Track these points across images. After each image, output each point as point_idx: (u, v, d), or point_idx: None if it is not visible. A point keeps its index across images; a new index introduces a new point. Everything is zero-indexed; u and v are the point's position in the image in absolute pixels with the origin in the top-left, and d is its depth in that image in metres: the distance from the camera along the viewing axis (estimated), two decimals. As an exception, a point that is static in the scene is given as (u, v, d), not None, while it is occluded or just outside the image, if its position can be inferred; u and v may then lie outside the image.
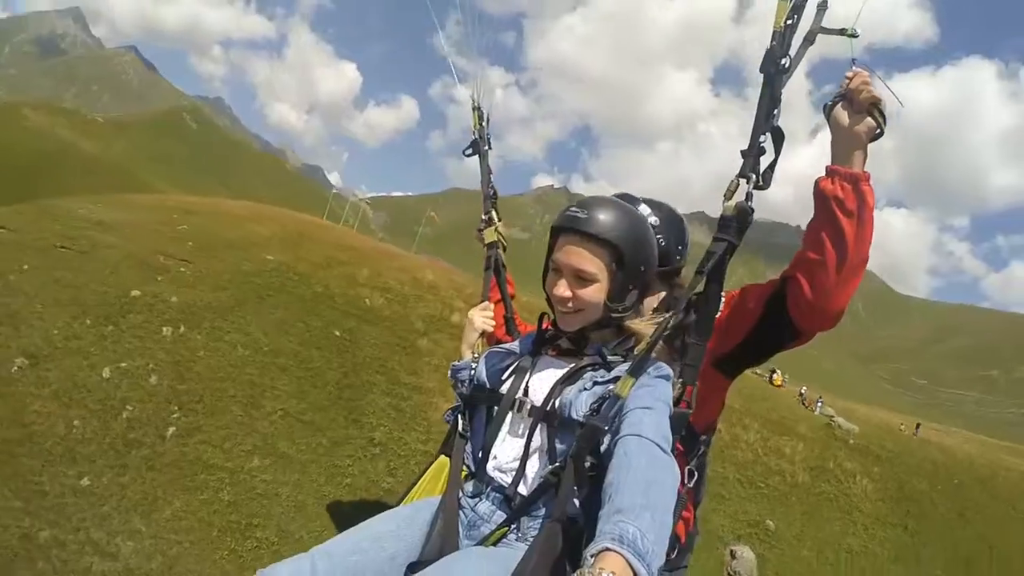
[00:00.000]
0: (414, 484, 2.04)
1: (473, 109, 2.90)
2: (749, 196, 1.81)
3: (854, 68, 1.79)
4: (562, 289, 1.75)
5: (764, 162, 1.84)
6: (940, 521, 13.80)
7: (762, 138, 1.81)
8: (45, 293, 6.77)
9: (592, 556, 1.08)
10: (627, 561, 1.06)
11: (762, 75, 1.85)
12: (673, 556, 2.06)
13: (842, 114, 1.78)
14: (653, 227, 1.91)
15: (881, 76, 1.78)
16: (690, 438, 2.04)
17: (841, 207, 1.73)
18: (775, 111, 1.82)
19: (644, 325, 1.81)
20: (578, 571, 1.06)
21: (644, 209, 2.25)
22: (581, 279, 1.74)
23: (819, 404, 21.52)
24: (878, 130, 1.74)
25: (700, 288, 1.83)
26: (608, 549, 1.08)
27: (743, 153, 1.84)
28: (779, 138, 1.84)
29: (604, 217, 1.72)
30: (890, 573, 11.57)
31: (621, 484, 1.29)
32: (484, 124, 2.89)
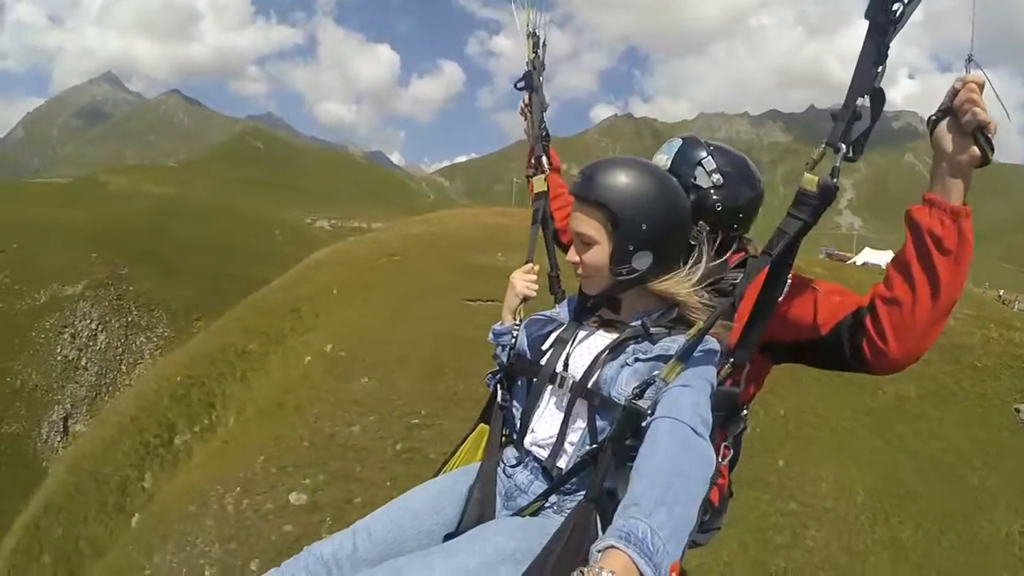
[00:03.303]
0: (455, 452, 2.15)
1: (527, 36, 2.69)
2: (836, 171, 1.57)
3: (964, 75, 1.52)
4: (571, 254, 1.84)
5: (857, 129, 1.57)
6: None
7: (860, 100, 1.54)
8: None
9: (598, 552, 1.12)
10: (632, 560, 1.08)
11: (867, 22, 1.54)
12: (706, 519, 2.09)
13: (945, 135, 1.58)
14: (715, 186, 2.04)
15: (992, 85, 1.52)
16: (732, 414, 1.92)
17: (938, 245, 1.60)
18: (879, 69, 1.53)
19: (674, 285, 1.78)
20: (579, 569, 1.08)
21: (709, 162, 2.09)
22: (584, 243, 1.80)
23: (1016, 302, 26.77)
24: (983, 159, 1.54)
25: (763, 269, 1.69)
26: (614, 547, 1.11)
27: (834, 116, 1.58)
28: (879, 101, 1.56)
29: (600, 178, 1.76)
30: None
31: (643, 473, 1.31)
32: (540, 52, 2.68)
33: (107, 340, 53.13)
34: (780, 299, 1.82)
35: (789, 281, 1.87)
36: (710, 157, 2.11)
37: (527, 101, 2.73)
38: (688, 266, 1.82)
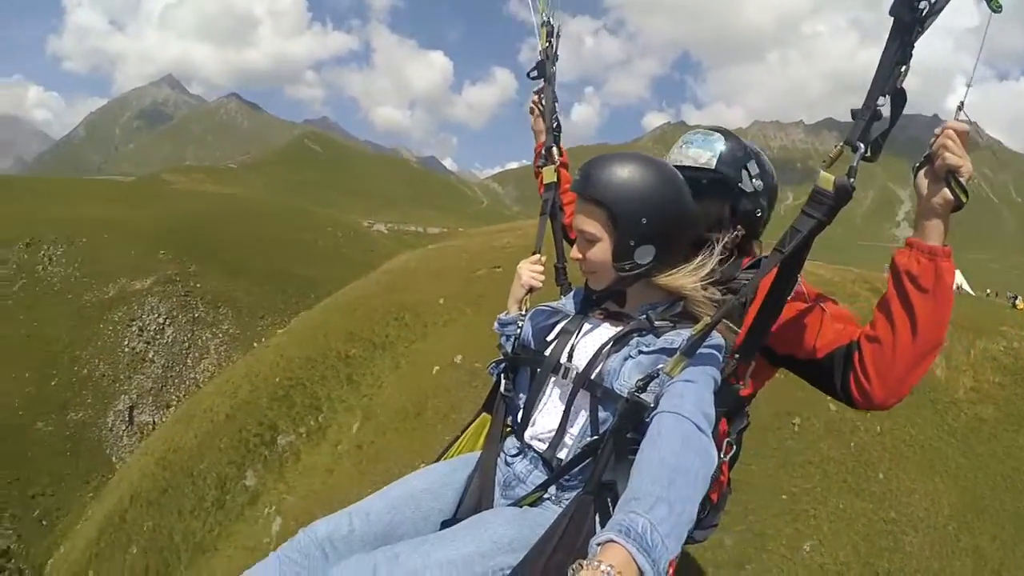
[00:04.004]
0: (456, 440, 2.17)
1: (540, 25, 2.68)
2: (853, 170, 1.56)
3: (948, 122, 1.58)
4: (574, 251, 1.85)
5: (876, 129, 1.57)
6: None
7: (880, 100, 1.53)
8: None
9: (598, 545, 1.13)
10: (631, 555, 1.09)
11: (892, 19, 1.53)
12: (704, 516, 2.08)
13: (923, 180, 1.64)
14: (757, 191, 2.05)
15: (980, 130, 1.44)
16: (735, 410, 1.96)
17: (915, 283, 1.65)
18: (903, 68, 1.51)
19: (678, 280, 1.78)
20: (577, 562, 1.09)
21: (753, 166, 2.08)
22: (586, 240, 1.80)
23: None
24: (956, 203, 1.59)
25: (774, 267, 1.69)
26: (613, 541, 1.11)
27: (854, 114, 1.58)
28: (900, 102, 1.56)
29: (597, 175, 1.75)
30: None
31: (645, 468, 1.31)
32: (553, 41, 2.67)
33: (174, 335, 54.28)
34: (790, 309, 1.87)
35: (805, 293, 1.93)
36: (754, 161, 2.10)
37: (537, 98, 2.73)
38: (697, 260, 1.82)
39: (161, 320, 55.40)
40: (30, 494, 44.79)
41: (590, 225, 1.77)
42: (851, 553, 7.30)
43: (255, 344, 45.64)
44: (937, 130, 1.60)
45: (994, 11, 1.50)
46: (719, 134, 2.12)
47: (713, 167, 2.05)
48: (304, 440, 11.24)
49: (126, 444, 48.88)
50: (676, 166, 1.99)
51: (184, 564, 10.95)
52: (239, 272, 62.32)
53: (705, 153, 2.07)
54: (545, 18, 2.69)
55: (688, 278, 1.79)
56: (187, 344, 54.29)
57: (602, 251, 1.78)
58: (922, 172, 1.64)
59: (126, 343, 53.56)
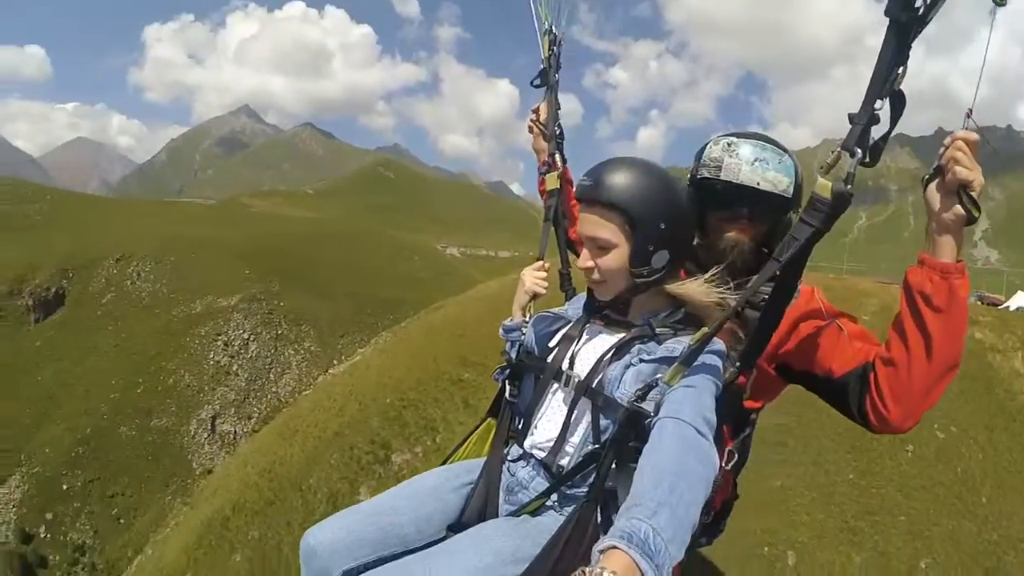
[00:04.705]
0: (461, 444, 2.18)
1: (544, 34, 2.66)
2: (850, 176, 1.52)
3: (957, 131, 1.54)
4: (583, 260, 1.77)
5: (876, 132, 1.52)
6: None
7: (878, 103, 1.48)
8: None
9: (600, 552, 1.12)
10: (634, 561, 1.08)
11: (888, 19, 1.47)
12: (709, 521, 2.05)
13: (933, 194, 1.60)
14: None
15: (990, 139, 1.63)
16: (738, 418, 1.96)
17: (928, 303, 1.61)
18: (900, 70, 1.47)
19: (690, 287, 1.75)
20: (580, 569, 1.07)
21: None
22: (599, 248, 1.74)
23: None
24: (968, 217, 1.55)
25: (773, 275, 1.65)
26: (616, 547, 1.10)
27: (851, 118, 1.52)
28: (899, 105, 1.51)
29: (611, 179, 1.70)
30: None
31: (646, 473, 1.31)
32: (556, 49, 2.65)
33: (257, 350, 56.78)
34: (809, 326, 1.90)
35: (824, 310, 1.93)
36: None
37: (535, 116, 2.71)
38: (711, 272, 1.77)
39: (245, 336, 58.12)
40: (109, 494, 46.89)
41: (605, 231, 1.71)
42: (960, 571, 7.70)
43: (335, 362, 46.80)
44: (946, 141, 1.55)
45: (998, 4, 1.45)
46: (783, 151, 1.99)
47: (791, 194, 1.96)
48: (420, 459, 11.36)
49: (207, 452, 50.69)
50: (741, 184, 1.94)
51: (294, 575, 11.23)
52: (320, 292, 64.95)
53: (785, 179, 1.95)
54: (548, 26, 2.69)
55: (701, 287, 1.75)
56: (270, 359, 56.82)
57: (617, 258, 1.73)
58: (932, 185, 1.60)
59: (211, 356, 56.37)
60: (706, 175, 2.01)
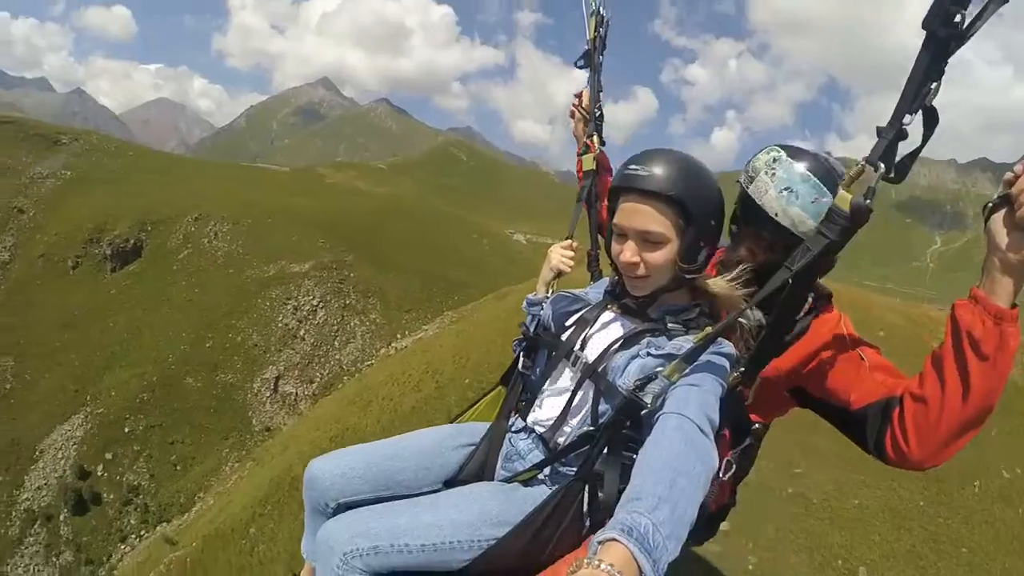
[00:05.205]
0: (471, 407, 2.25)
1: (591, 14, 2.66)
2: (871, 191, 1.47)
3: None
4: (629, 254, 1.69)
5: (904, 148, 1.47)
6: None
7: (907, 119, 1.42)
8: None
9: (599, 544, 1.12)
10: (632, 554, 1.08)
11: (924, 32, 1.40)
12: (702, 524, 1.93)
13: (999, 227, 1.46)
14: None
15: None
16: (741, 426, 1.91)
17: (975, 348, 1.50)
18: (932, 86, 1.39)
19: (720, 284, 1.75)
20: (578, 560, 1.08)
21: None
22: (650, 242, 1.67)
23: None
24: None
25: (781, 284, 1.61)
26: (615, 540, 1.10)
27: (879, 131, 1.47)
28: (931, 121, 1.45)
29: (667, 171, 1.63)
30: None
31: (648, 467, 1.31)
32: (602, 31, 2.64)
33: (325, 317, 58.32)
34: (830, 354, 1.86)
35: (848, 339, 1.87)
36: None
37: (578, 101, 2.69)
38: (737, 270, 1.76)
39: (315, 302, 59.76)
40: (169, 440, 48.81)
41: (659, 224, 1.63)
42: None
43: (398, 335, 47.58)
44: (1017, 168, 1.40)
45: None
46: (827, 191, 1.81)
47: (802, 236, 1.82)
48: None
49: (268, 410, 52.36)
50: (761, 207, 1.87)
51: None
52: (390, 267, 66.06)
53: (809, 220, 1.80)
54: (595, 6, 2.65)
55: (726, 285, 1.75)
56: (336, 327, 58.33)
57: (667, 253, 1.66)
58: (999, 217, 1.45)
59: (280, 319, 58.28)
60: (740, 181, 1.95)
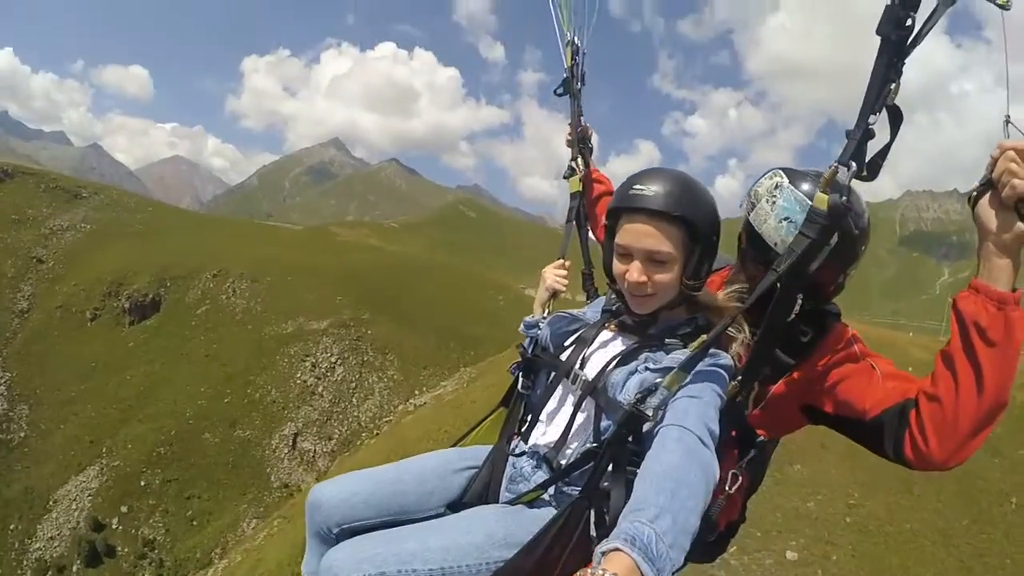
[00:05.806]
0: (472, 430, 2.23)
1: (567, 44, 2.75)
2: (846, 189, 1.53)
3: (1002, 140, 1.45)
4: (635, 274, 1.70)
5: (874, 147, 1.55)
6: None
7: (872, 118, 1.50)
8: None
9: (602, 554, 1.13)
10: (636, 564, 1.10)
11: (879, 39, 1.47)
12: (711, 540, 1.94)
13: (987, 211, 1.49)
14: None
15: None
16: (746, 438, 1.90)
17: (983, 336, 1.49)
18: (891, 86, 1.48)
19: (721, 299, 1.81)
20: (582, 570, 1.09)
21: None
22: (657, 261, 1.69)
23: None
24: None
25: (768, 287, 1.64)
26: (618, 549, 1.12)
27: (847, 133, 1.55)
28: (896, 119, 1.52)
29: (671, 190, 1.66)
30: None
31: (650, 479, 1.33)
32: (579, 59, 2.74)
33: (343, 374, 59.11)
34: (840, 369, 1.86)
35: (858, 353, 1.88)
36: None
37: (572, 130, 2.81)
38: (738, 285, 1.88)
39: (333, 359, 60.58)
40: (186, 495, 48.45)
41: (666, 244, 1.68)
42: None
43: (415, 392, 47.56)
44: (994, 152, 1.46)
45: (1003, 8, 1.43)
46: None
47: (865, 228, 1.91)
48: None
49: (286, 466, 52.11)
50: (759, 235, 1.89)
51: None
52: (407, 323, 66.85)
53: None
54: (570, 37, 2.75)
55: (725, 297, 1.84)
56: (354, 384, 58.85)
57: (675, 272, 1.71)
58: (984, 201, 1.50)
59: (298, 375, 58.95)
60: (742, 206, 2.00)
